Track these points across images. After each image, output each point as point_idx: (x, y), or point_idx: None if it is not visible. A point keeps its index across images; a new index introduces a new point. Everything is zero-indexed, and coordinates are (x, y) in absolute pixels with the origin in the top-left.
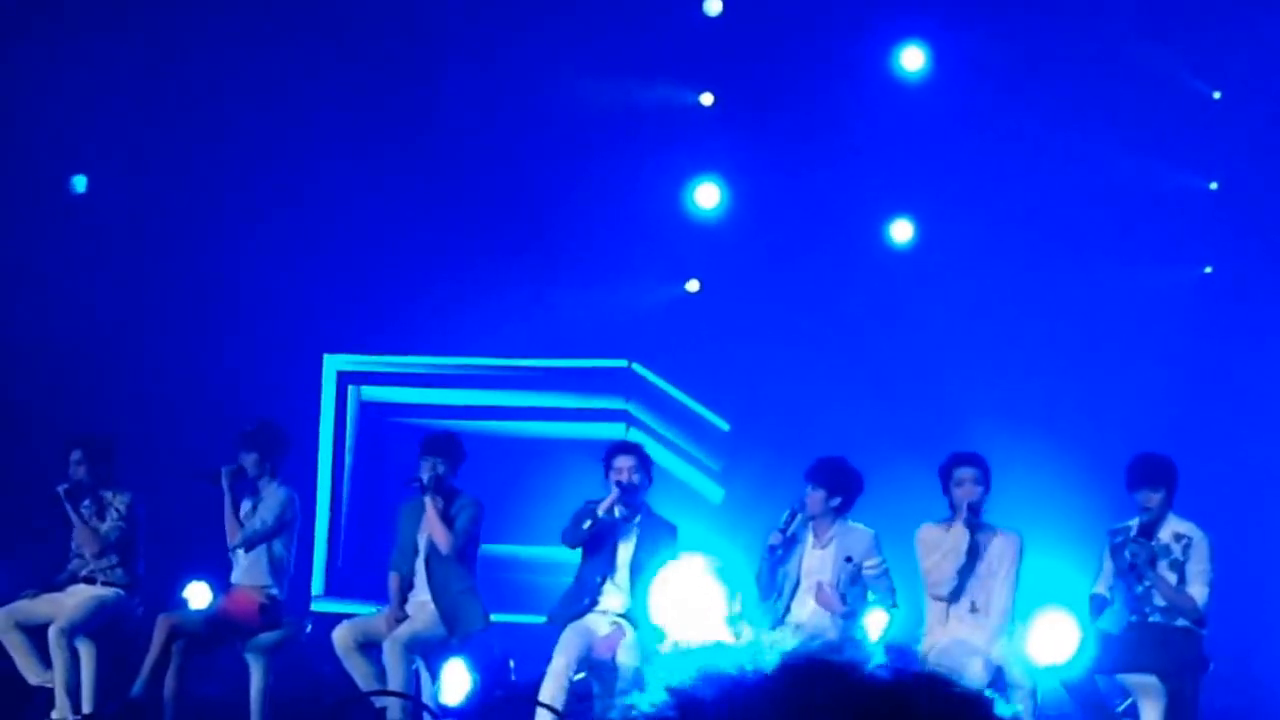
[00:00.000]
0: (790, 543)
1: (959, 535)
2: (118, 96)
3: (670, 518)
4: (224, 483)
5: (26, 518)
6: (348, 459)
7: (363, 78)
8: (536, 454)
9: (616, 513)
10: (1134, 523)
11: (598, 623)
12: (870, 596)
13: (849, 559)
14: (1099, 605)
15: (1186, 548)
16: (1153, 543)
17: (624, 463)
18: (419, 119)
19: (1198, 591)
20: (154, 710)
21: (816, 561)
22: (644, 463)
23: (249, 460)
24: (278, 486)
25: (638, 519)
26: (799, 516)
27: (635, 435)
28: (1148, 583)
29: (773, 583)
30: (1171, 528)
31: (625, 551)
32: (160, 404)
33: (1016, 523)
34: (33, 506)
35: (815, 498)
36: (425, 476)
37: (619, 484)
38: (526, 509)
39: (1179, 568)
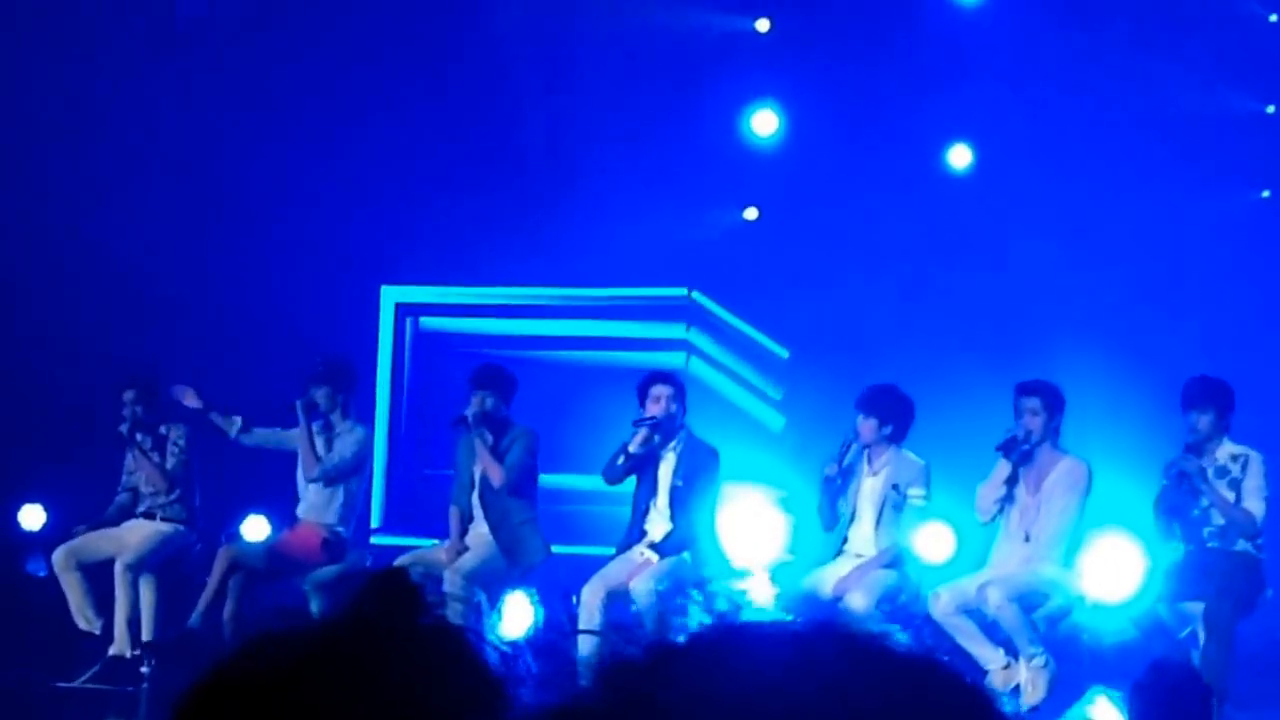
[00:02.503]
0: (847, 473)
1: (1002, 464)
2: (176, 36)
3: (731, 446)
4: (300, 415)
5: (77, 452)
6: (406, 391)
7: (419, 9)
8: (597, 383)
9: (646, 446)
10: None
11: (635, 554)
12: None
13: (895, 486)
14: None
15: (1244, 466)
16: (1202, 460)
17: (661, 391)
18: (477, 49)
19: (1255, 506)
20: (212, 639)
21: (869, 489)
22: (679, 391)
23: (320, 394)
24: (354, 424)
25: (677, 445)
26: (853, 446)
27: (695, 364)
28: (1203, 500)
29: (834, 514)
30: (1227, 449)
31: (665, 477)
32: (217, 337)
33: (1083, 448)
34: (83, 438)
35: (867, 426)
36: (470, 413)
37: (650, 419)
38: (588, 439)
39: (1236, 486)
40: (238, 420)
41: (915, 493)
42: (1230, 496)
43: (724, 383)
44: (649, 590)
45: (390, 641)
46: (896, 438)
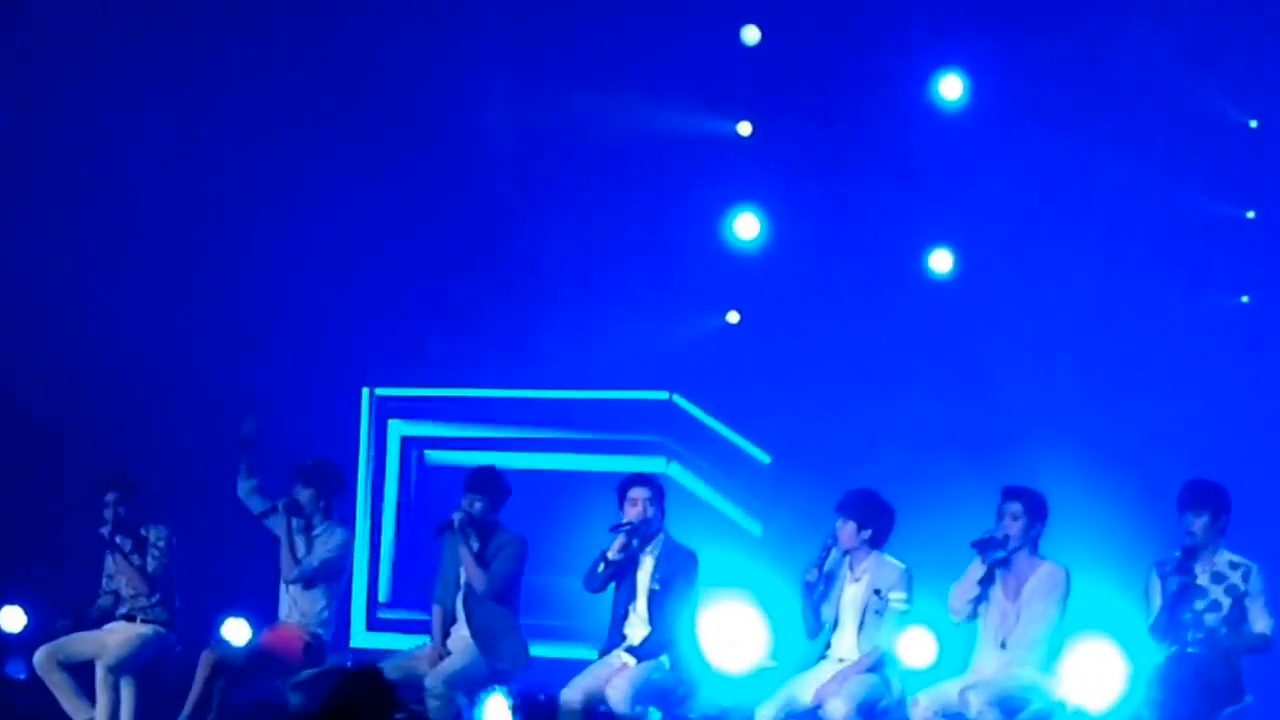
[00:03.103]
0: (828, 578)
1: (976, 564)
2: (158, 128)
3: (711, 551)
4: (282, 515)
5: (59, 552)
6: (388, 493)
7: (403, 109)
8: (577, 486)
9: (624, 552)
10: (1179, 552)
11: (613, 658)
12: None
13: (877, 591)
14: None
15: (1245, 576)
16: (1194, 565)
17: (638, 494)
18: (461, 150)
19: (1264, 624)
20: None
21: (851, 595)
22: (658, 494)
23: (304, 495)
24: (335, 526)
25: (655, 548)
26: (834, 551)
27: (675, 468)
28: (1198, 604)
29: (818, 620)
30: (1225, 555)
31: (644, 581)
32: (199, 439)
33: (1062, 551)
34: (65, 540)
35: (847, 530)
36: (457, 517)
37: (627, 524)
38: (568, 542)
39: (1234, 593)
40: (254, 480)
41: (897, 597)
42: (1226, 603)
43: (704, 487)
44: (624, 695)
45: None
46: (877, 542)
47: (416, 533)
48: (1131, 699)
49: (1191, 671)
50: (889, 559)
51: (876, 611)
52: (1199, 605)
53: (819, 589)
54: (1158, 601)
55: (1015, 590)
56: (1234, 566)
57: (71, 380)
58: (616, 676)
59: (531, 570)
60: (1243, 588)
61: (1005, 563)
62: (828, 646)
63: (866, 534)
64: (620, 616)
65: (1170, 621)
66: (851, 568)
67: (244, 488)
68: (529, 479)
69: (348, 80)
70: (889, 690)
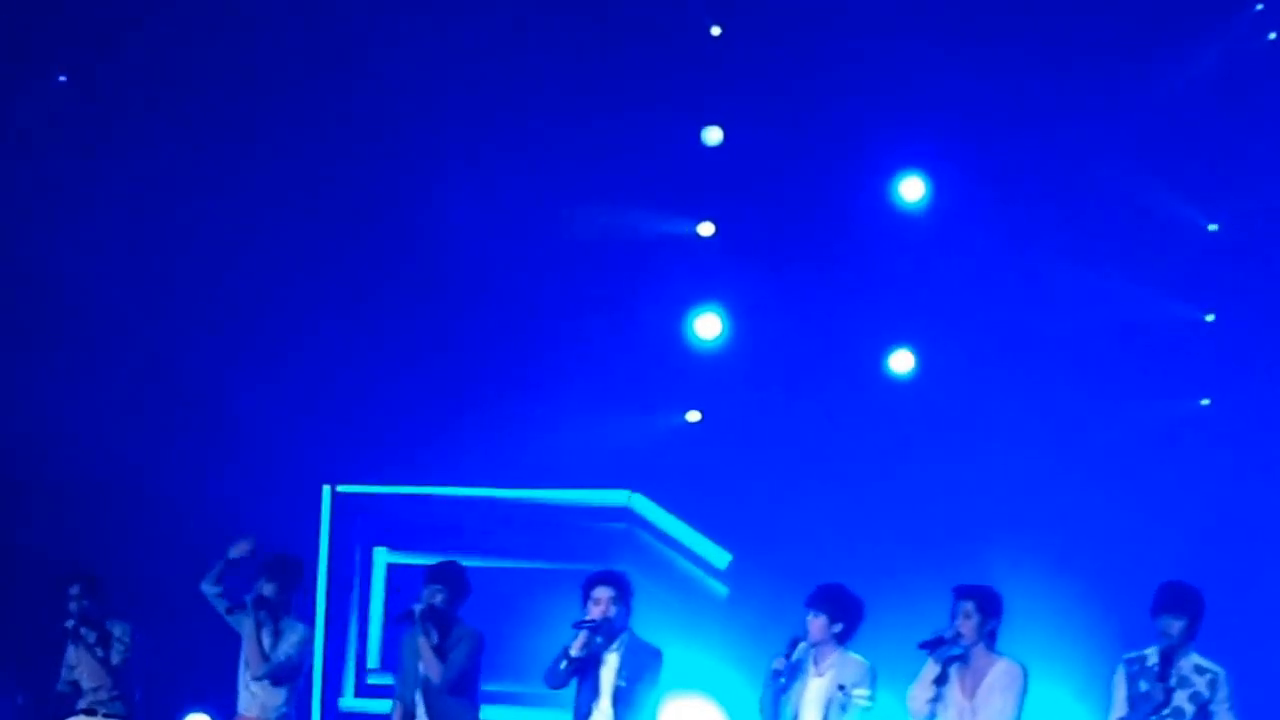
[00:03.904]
0: (794, 670)
1: (931, 664)
2: (112, 214)
3: (671, 648)
4: (250, 611)
5: (18, 648)
6: (348, 591)
7: (363, 206)
8: (538, 585)
9: (587, 649)
10: (1150, 650)
11: None
12: None
13: (841, 687)
14: None
15: (1212, 684)
16: (1172, 670)
17: (602, 594)
18: (419, 250)
19: None
20: None
21: (815, 690)
22: (622, 592)
23: (269, 589)
24: (296, 622)
25: (619, 646)
26: (801, 644)
27: (635, 567)
28: (1165, 711)
29: (775, 712)
30: (1193, 660)
31: (608, 678)
32: (157, 535)
33: (1020, 648)
34: (25, 637)
35: (817, 624)
36: (417, 608)
37: (590, 622)
38: (529, 642)
39: (1198, 700)
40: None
41: (860, 693)
42: (1189, 710)
43: (664, 586)
44: None
45: None
46: (844, 637)
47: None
48: None
49: None
50: (853, 655)
51: (841, 707)
52: (1164, 711)
53: (782, 680)
54: (1121, 697)
55: (972, 688)
56: (1200, 672)
57: (32, 475)
58: None
59: (494, 671)
60: (1207, 695)
61: (962, 659)
62: None
63: (837, 628)
64: (584, 715)
65: None
66: (816, 662)
67: (209, 591)
68: (492, 577)
69: (313, 173)
70: None
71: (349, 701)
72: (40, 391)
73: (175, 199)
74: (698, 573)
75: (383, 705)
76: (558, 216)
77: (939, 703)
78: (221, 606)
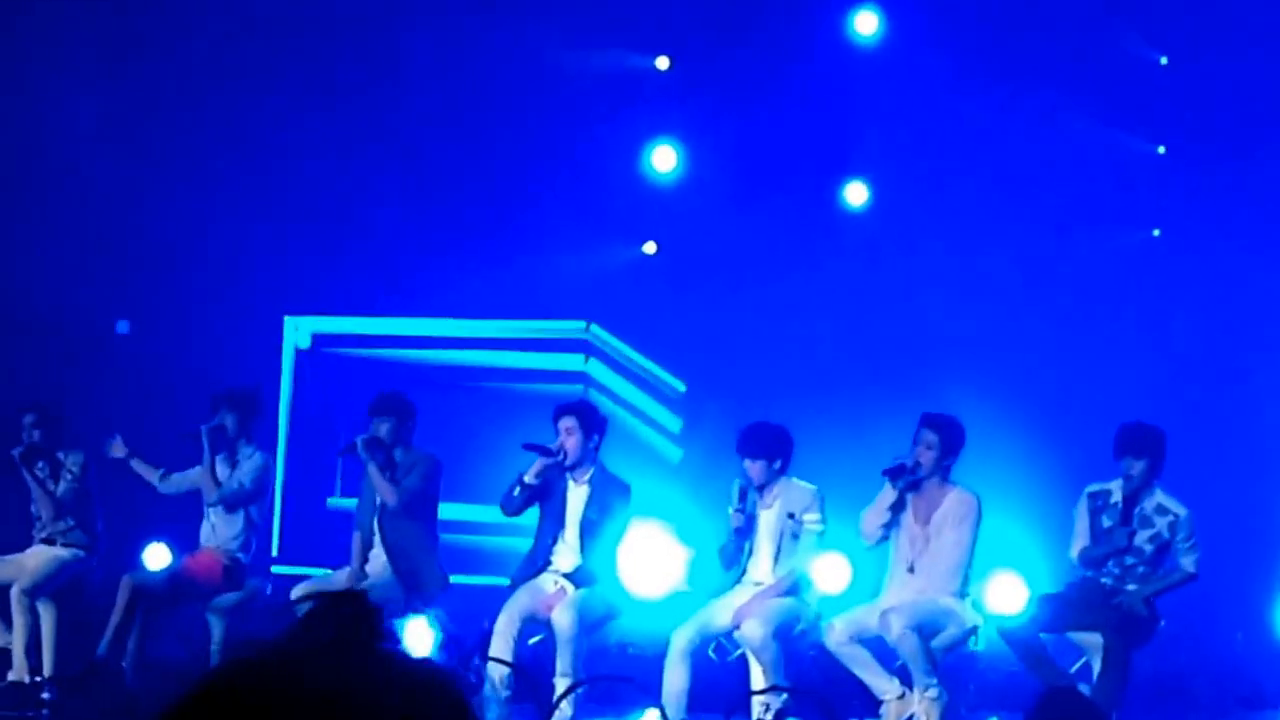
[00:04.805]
0: (751, 517)
1: (887, 490)
2: (80, 62)
3: (628, 477)
4: (204, 439)
5: None
6: (308, 421)
7: (323, 42)
8: (497, 415)
9: (541, 476)
10: (1114, 485)
11: (546, 582)
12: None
13: (791, 515)
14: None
15: (1172, 526)
16: (1135, 512)
17: (564, 424)
18: (378, 83)
19: (1189, 563)
20: (117, 671)
21: (766, 522)
22: (586, 423)
23: (229, 420)
24: (255, 451)
25: (590, 478)
26: (750, 492)
27: (593, 396)
28: (1120, 543)
29: (737, 556)
30: (1156, 500)
31: (575, 510)
32: (119, 367)
33: (971, 480)
34: None
35: (755, 468)
36: (360, 441)
37: (539, 446)
38: (488, 470)
39: (1158, 540)
40: (159, 471)
41: (811, 519)
42: (1148, 550)
43: (622, 415)
44: (572, 621)
45: (362, 666)
46: (784, 469)
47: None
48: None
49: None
50: (798, 482)
51: (793, 535)
52: (1120, 544)
53: (744, 529)
54: (1083, 527)
55: (926, 516)
56: (1162, 513)
57: None
58: (555, 602)
59: (447, 496)
60: (1167, 536)
61: (915, 487)
62: (744, 572)
63: (776, 464)
64: (547, 544)
65: (1097, 557)
66: (762, 495)
67: (161, 486)
68: (451, 407)
69: (272, 7)
70: (806, 612)
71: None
72: None
73: (133, 19)
74: (653, 403)
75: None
76: (515, 49)
77: (893, 529)
78: (185, 485)
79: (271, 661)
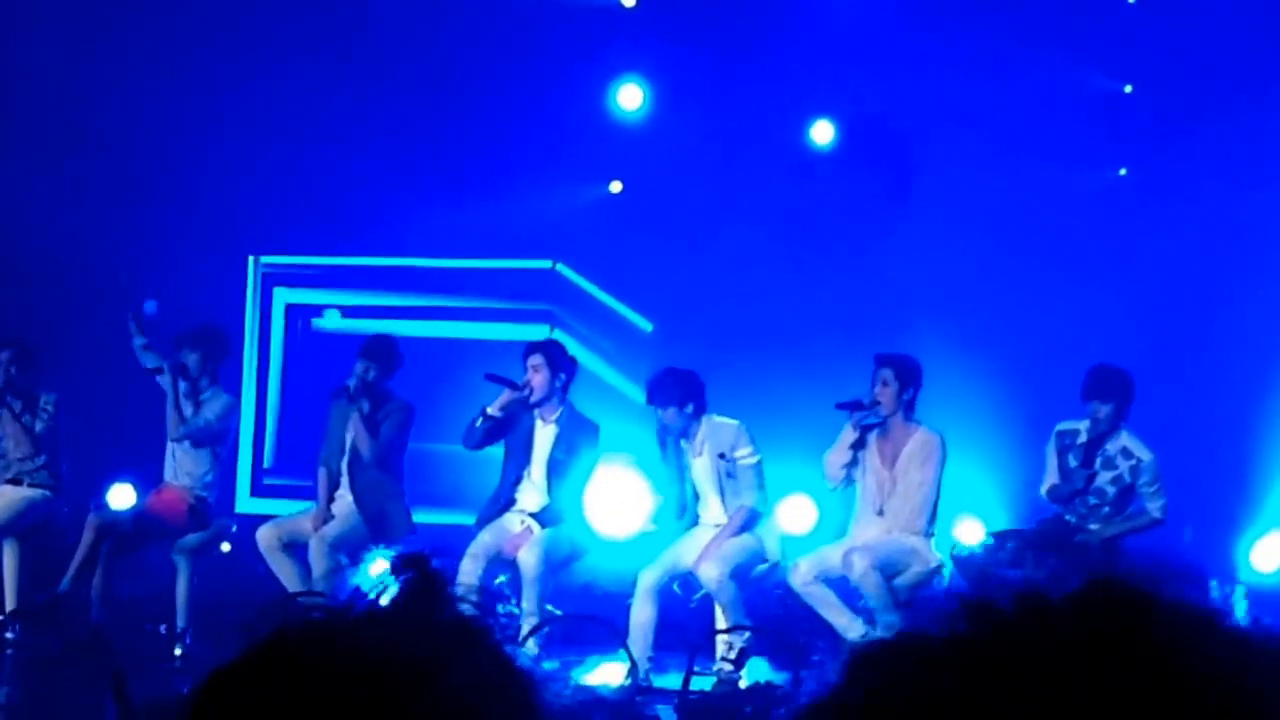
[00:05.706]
0: (680, 464)
1: (848, 430)
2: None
3: (594, 418)
4: (168, 376)
5: None
6: (273, 360)
7: None
8: (462, 353)
9: (505, 409)
10: (1083, 425)
11: (512, 522)
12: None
13: (721, 455)
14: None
15: (1134, 469)
16: (1097, 454)
17: (532, 361)
18: (342, 23)
19: (1155, 508)
20: (80, 608)
21: (701, 468)
22: (553, 362)
23: (191, 359)
24: (220, 390)
25: (558, 417)
26: (669, 439)
27: (559, 336)
28: (1094, 501)
29: (682, 503)
30: (1122, 442)
31: (542, 449)
32: (83, 305)
33: (937, 422)
34: None
35: (669, 415)
36: (352, 383)
37: (499, 376)
38: (452, 409)
39: (1120, 482)
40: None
41: (743, 453)
42: (1111, 492)
43: (587, 355)
44: (538, 560)
45: (434, 635)
46: (699, 411)
47: (301, 400)
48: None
49: None
50: (719, 419)
51: (729, 475)
52: (1088, 495)
53: (677, 473)
54: (1053, 465)
55: (891, 458)
56: (1127, 456)
57: None
58: (521, 541)
59: (420, 436)
60: (1129, 479)
61: (880, 427)
62: (697, 518)
63: (688, 409)
64: (512, 482)
65: (1063, 495)
66: (690, 442)
67: (136, 343)
68: (415, 346)
69: None
70: (764, 550)
71: (243, 505)
72: None
73: None
74: (619, 343)
75: (276, 507)
76: None
77: (857, 469)
78: (149, 364)
79: (337, 626)
